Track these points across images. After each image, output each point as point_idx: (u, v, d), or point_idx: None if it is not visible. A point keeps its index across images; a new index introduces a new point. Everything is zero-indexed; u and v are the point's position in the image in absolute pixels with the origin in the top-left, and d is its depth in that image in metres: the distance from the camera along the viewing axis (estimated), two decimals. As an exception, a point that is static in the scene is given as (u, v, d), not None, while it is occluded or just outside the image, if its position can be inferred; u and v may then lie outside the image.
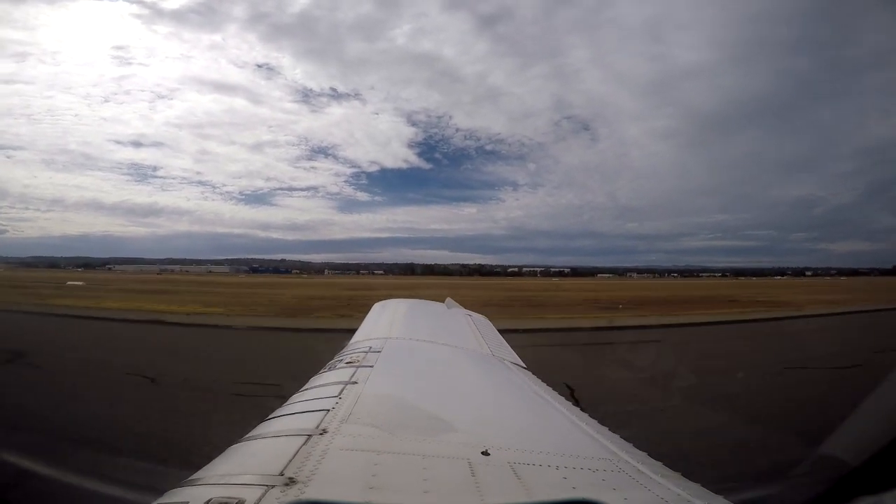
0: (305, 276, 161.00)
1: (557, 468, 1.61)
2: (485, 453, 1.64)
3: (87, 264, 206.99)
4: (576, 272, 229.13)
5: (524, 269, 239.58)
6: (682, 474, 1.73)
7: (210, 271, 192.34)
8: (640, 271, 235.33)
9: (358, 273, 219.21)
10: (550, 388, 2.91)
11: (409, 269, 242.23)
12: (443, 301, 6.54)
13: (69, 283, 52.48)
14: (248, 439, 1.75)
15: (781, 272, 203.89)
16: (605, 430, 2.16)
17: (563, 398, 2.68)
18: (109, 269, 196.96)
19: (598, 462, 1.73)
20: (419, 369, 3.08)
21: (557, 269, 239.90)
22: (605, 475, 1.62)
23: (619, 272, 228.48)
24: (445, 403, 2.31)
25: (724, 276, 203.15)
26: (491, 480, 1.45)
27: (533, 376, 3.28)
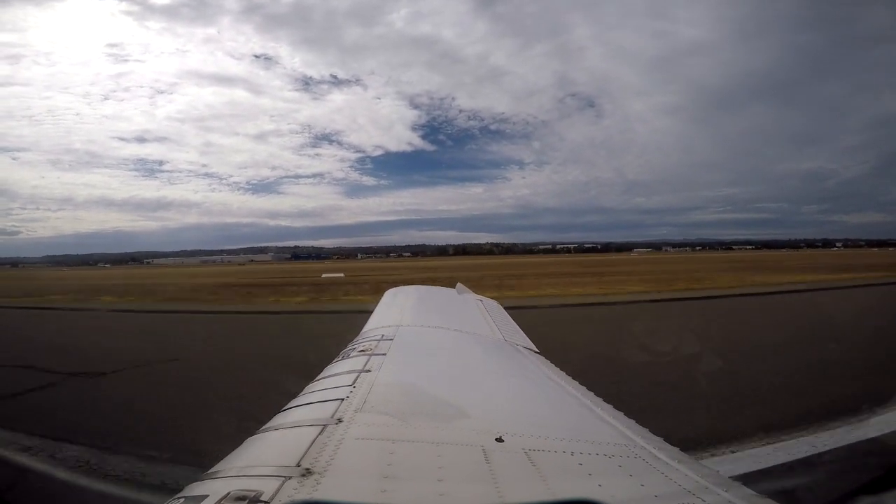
0: (349, 260, 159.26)
1: (573, 454, 1.59)
2: (499, 440, 1.63)
3: (119, 260, 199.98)
4: (608, 247, 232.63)
5: (558, 245, 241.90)
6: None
7: (252, 261, 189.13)
8: (672, 245, 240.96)
9: (388, 256, 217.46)
10: (564, 373, 2.85)
11: (442, 251, 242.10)
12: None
13: (325, 275, 47.76)
14: (265, 430, 1.77)
15: (811, 244, 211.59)
16: (620, 415, 2.13)
17: (577, 383, 2.62)
18: (148, 262, 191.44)
19: (614, 448, 1.71)
20: (431, 356, 3.07)
21: (590, 245, 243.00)
22: (622, 461, 1.60)
23: (656, 246, 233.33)
24: (458, 390, 2.31)
25: (757, 248, 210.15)
26: (505, 467, 1.44)
27: (546, 361, 3.22)
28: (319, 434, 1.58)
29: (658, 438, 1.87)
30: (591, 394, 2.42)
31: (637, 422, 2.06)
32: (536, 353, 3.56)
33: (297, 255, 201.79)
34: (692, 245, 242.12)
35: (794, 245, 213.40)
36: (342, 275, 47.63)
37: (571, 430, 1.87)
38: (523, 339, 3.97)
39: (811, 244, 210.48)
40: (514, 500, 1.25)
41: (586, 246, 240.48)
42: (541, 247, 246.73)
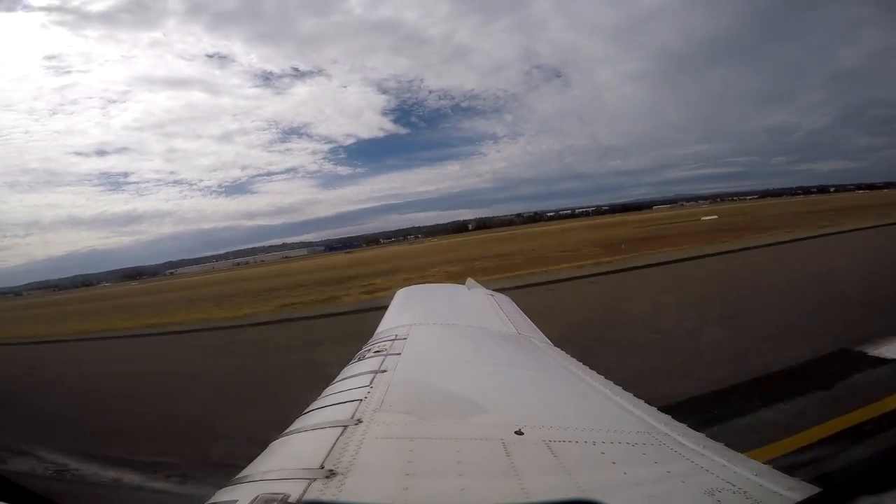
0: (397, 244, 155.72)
1: (594, 444, 1.59)
2: (518, 433, 1.63)
3: (128, 275, 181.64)
4: (626, 208, 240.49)
5: (577, 210, 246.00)
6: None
7: (287, 257, 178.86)
8: (640, 205, 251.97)
9: (407, 238, 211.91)
10: (582, 364, 2.85)
11: (463, 227, 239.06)
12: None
13: (704, 217, 50.90)
14: (288, 434, 1.80)
15: (807, 191, 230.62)
16: (641, 402, 2.11)
17: (595, 373, 2.62)
18: (171, 273, 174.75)
19: (637, 436, 1.70)
20: (446, 353, 3.08)
21: (607, 208, 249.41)
22: (645, 448, 1.59)
23: (674, 203, 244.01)
24: (475, 386, 2.32)
25: (761, 197, 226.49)
26: (526, 459, 1.45)
27: (562, 352, 3.22)
28: (341, 435, 1.60)
29: (682, 425, 1.84)
30: (611, 383, 2.40)
31: None
32: (551, 345, 3.53)
33: (331, 246, 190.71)
34: (682, 200, 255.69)
35: (791, 193, 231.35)
36: (716, 216, 51.92)
37: (592, 419, 1.86)
38: (536, 333, 3.96)
39: (807, 191, 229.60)
40: (537, 491, 1.26)
41: (604, 209, 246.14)
42: (562, 213, 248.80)
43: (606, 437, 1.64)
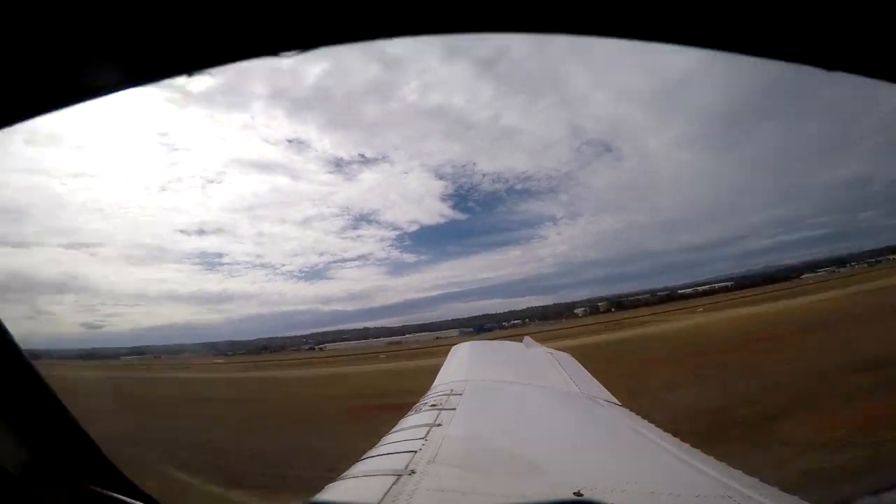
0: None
1: None
2: (577, 494, 1.56)
3: (258, 348, 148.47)
4: (768, 279, 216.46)
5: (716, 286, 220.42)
6: None
7: (437, 338, 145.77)
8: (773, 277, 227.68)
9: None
10: (651, 425, 2.69)
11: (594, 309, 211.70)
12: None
13: None
14: (344, 478, 1.88)
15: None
16: (722, 465, 1.96)
17: (666, 434, 2.46)
18: (321, 348, 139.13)
19: (715, 500, 1.57)
20: (501, 410, 3.09)
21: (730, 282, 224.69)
22: None
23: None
24: (532, 444, 2.28)
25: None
26: None
27: (630, 413, 3.05)
28: (394, 484, 1.65)
29: (773, 488, 1.71)
30: (686, 445, 2.26)
31: None
32: (618, 405, 3.37)
33: (480, 327, 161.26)
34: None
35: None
36: None
37: (661, 482, 1.80)
38: (602, 392, 3.80)
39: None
40: None
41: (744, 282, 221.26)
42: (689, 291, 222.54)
43: (678, 501, 1.57)
